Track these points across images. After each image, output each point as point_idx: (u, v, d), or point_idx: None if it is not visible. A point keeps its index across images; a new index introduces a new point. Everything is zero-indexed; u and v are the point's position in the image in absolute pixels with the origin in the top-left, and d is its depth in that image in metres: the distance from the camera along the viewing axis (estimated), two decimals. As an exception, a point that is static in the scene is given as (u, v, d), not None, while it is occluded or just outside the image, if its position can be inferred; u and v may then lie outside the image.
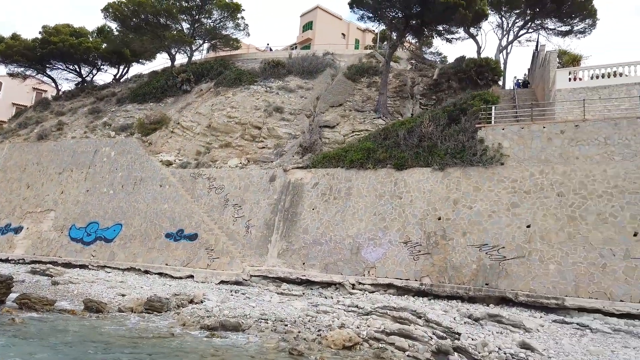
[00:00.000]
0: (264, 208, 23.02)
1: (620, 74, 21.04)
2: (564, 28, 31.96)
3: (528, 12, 32.18)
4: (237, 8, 38.29)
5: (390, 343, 11.56)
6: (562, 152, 17.89)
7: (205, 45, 42.89)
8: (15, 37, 41.75)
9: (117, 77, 45.34)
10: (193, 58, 39.74)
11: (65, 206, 28.24)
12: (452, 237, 18.48)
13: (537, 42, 30.94)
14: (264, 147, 27.59)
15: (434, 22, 28.07)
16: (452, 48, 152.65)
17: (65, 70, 44.56)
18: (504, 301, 16.80)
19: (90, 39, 42.83)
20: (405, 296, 18.09)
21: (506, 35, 34.37)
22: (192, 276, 22.04)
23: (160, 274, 22.89)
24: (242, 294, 18.23)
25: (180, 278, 22.10)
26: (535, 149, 18.40)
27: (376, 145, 22.25)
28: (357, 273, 19.52)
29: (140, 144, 29.17)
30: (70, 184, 28.91)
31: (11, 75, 44.46)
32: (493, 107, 20.78)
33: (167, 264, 23.27)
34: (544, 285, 16.40)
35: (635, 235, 15.84)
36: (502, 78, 30.95)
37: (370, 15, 28.75)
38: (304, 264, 20.77)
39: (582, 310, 15.42)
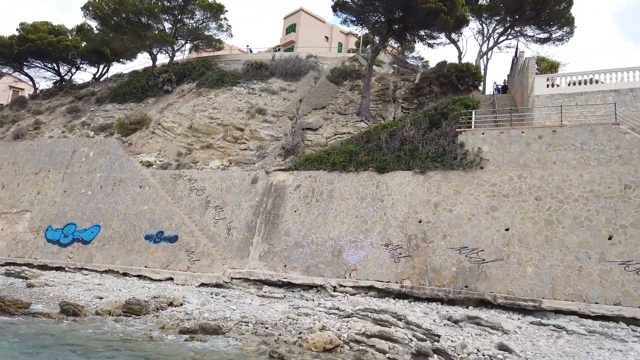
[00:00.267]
0: (245, 210, 22.90)
1: (596, 81, 21.55)
2: (543, 35, 32.61)
3: (508, 19, 32.76)
4: (220, 9, 38.11)
5: (371, 345, 11.60)
6: (540, 156, 18.23)
7: (188, 46, 42.59)
8: (-9, 33, 40.85)
9: (97, 76, 44.69)
10: (175, 58, 39.40)
11: (41, 207, 27.67)
12: (432, 240, 18.66)
13: (517, 48, 31.53)
14: (246, 149, 27.48)
15: (416, 27, 28.34)
16: (434, 53, 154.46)
17: (43, 68, 43.75)
18: (482, 303, 17.02)
19: (70, 37, 42.18)
20: (386, 298, 18.18)
21: (486, 42, 34.94)
22: (172, 278, 21.80)
23: (139, 276, 22.59)
24: (223, 296, 18.09)
25: (160, 280, 21.84)
26: (514, 154, 18.71)
27: (358, 148, 22.36)
28: (339, 275, 19.55)
29: (120, 144, 28.76)
30: (47, 185, 28.35)
31: (-13, 72, 43.50)
32: (473, 112, 21.07)
33: (146, 266, 22.97)
34: (522, 287, 16.66)
35: (610, 238, 16.23)
36: (482, 83, 31.45)
37: (354, 18, 28.88)
38: (285, 266, 20.72)
39: (558, 312, 15.73)
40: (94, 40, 40.47)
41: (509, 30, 33.68)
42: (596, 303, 15.55)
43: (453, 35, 32.98)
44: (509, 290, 16.77)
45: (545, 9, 30.08)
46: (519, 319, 15.40)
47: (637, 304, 15.14)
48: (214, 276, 21.02)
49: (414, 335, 12.10)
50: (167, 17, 38.05)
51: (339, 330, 12.85)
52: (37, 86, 44.90)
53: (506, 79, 32.67)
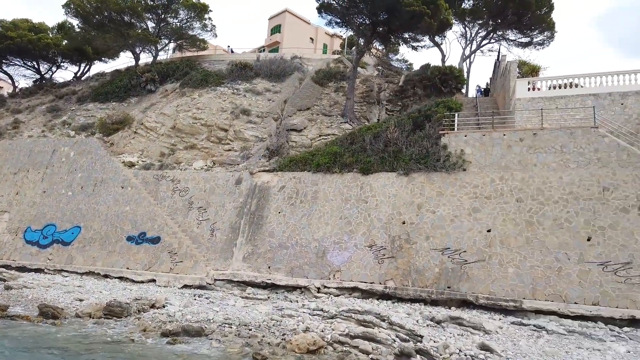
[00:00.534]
0: (229, 211, 22.77)
1: (576, 85, 21.98)
2: (524, 39, 33.13)
3: (490, 23, 33.21)
4: (204, 8, 37.90)
5: (354, 346, 11.63)
6: (521, 159, 18.49)
7: (171, 45, 42.24)
8: (-32, 30, 39.95)
9: (78, 75, 44.04)
10: (158, 58, 39.04)
11: (20, 208, 27.13)
12: (415, 241, 18.79)
13: (499, 52, 31.97)
14: (230, 150, 27.34)
15: (400, 29, 28.55)
16: (418, 56, 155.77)
17: (23, 66, 42.99)
18: (465, 304, 17.20)
19: (50, 35, 41.51)
20: (370, 299, 18.25)
21: (469, 45, 35.37)
22: (154, 280, 21.56)
23: (120, 278, 22.30)
24: (206, 298, 17.96)
25: (142, 282, 21.59)
26: (496, 156, 18.95)
27: (343, 149, 22.41)
28: (323, 277, 19.56)
29: (102, 144, 28.36)
30: (26, 185, 27.81)
31: (-36, 70, 42.55)
32: (456, 115, 21.29)
33: (128, 268, 22.68)
34: (503, 288, 16.88)
35: (588, 239, 16.53)
36: (465, 86, 31.82)
37: (338, 20, 28.97)
38: (269, 267, 20.65)
39: (539, 312, 15.97)
40: (75, 39, 39.87)
41: (492, 34, 34.13)
42: (575, 303, 15.83)
43: (437, 39, 33.33)
44: (491, 291, 16.97)
45: (526, 14, 30.56)
46: (500, 319, 15.60)
47: (615, 304, 15.45)
48: (197, 278, 20.85)
49: (397, 336, 12.16)
50: (151, 16, 37.70)
51: (322, 331, 12.85)
52: (16, 85, 44.10)
53: (488, 81, 33.13)
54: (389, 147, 21.49)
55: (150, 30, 37.49)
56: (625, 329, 14.67)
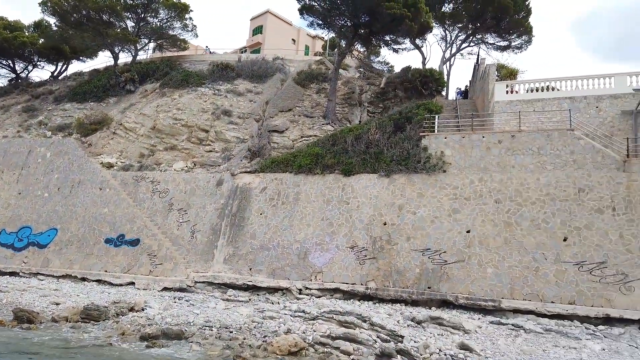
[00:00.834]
0: (210, 213, 22.59)
1: (553, 88, 22.39)
2: (503, 43, 33.72)
3: (470, 26, 33.71)
4: (185, 8, 37.55)
5: (336, 347, 11.65)
6: (500, 160, 18.78)
7: (151, 45, 41.76)
8: (-60, 27, 38.81)
9: (55, 74, 43.18)
10: (138, 57, 38.56)
11: (-6, 210, 26.46)
12: (396, 242, 18.91)
13: (478, 55, 32.47)
14: (211, 151, 27.13)
15: (381, 32, 28.74)
16: (399, 58, 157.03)
17: (-2, 65, 41.93)
18: (445, 304, 17.37)
19: (27, 34, 40.62)
20: (351, 300, 18.30)
21: (449, 48, 35.84)
22: (133, 283, 21.25)
23: (98, 281, 21.93)
24: (186, 300, 17.77)
25: (121, 285, 21.26)
26: (475, 158, 19.21)
27: (324, 151, 22.43)
28: (305, 278, 19.54)
29: (79, 144, 27.85)
30: (0, 186, 27.14)
31: None
32: (436, 117, 21.50)
33: (106, 271, 22.31)
34: (482, 288, 17.11)
35: (565, 240, 16.87)
36: (445, 88, 32.18)
37: (320, 22, 29.03)
38: (250, 269, 20.55)
39: (517, 311, 16.23)
40: (52, 37, 39.09)
41: (471, 37, 34.66)
42: (552, 302, 16.13)
43: (417, 41, 33.66)
44: (470, 291, 17.18)
45: (505, 18, 31.11)
46: (479, 318, 15.80)
47: (591, 302, 15.80)
48: (177, 280, 20.62)
49: (378, 337, 12.23)
50: (130, 15, 37.18)
51: (304, 333, 12.84)
52: (-10, 83, 42.96)
53: (468, 84, 33.58)
54: (371, 148, 21.60)
55: (129, 29, 36.97)
56: (600, 327, 15.00)
